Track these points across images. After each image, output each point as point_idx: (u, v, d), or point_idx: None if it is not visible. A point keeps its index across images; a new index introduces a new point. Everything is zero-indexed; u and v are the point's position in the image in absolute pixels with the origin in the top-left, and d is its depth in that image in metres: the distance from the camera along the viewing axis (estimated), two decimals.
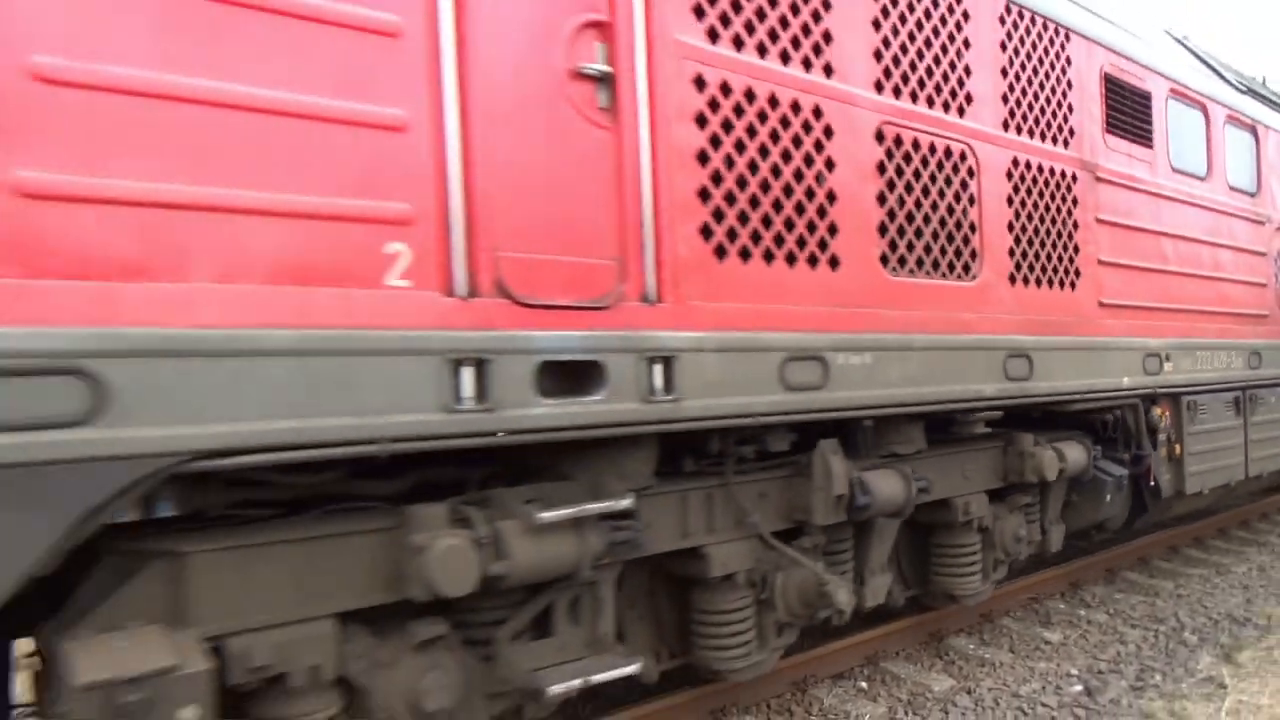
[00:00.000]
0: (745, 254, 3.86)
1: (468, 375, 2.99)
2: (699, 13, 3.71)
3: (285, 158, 2.71)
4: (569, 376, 3.27)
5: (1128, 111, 6.46)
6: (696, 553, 4.00)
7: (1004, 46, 5.27)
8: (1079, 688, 5.23)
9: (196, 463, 2.51)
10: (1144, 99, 6.62)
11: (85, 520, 2.39)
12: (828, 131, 4.18)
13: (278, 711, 2.88)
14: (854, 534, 4.78)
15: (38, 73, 2.33)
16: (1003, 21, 5.28)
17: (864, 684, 5.20)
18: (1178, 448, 6.85)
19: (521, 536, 3.12)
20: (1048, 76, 5.64)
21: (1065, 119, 5.77)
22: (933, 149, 4.75)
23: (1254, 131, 8.22)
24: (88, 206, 2.40)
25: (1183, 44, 8.97)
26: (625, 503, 3.41)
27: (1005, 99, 5.28)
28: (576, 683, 3.24)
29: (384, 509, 3.15)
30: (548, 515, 3.13)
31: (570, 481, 3.51)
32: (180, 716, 2.51)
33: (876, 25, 4.47)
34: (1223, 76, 8.45)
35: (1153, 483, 6.63)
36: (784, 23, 4.03)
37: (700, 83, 3.69)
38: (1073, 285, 5.77)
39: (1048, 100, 5.63)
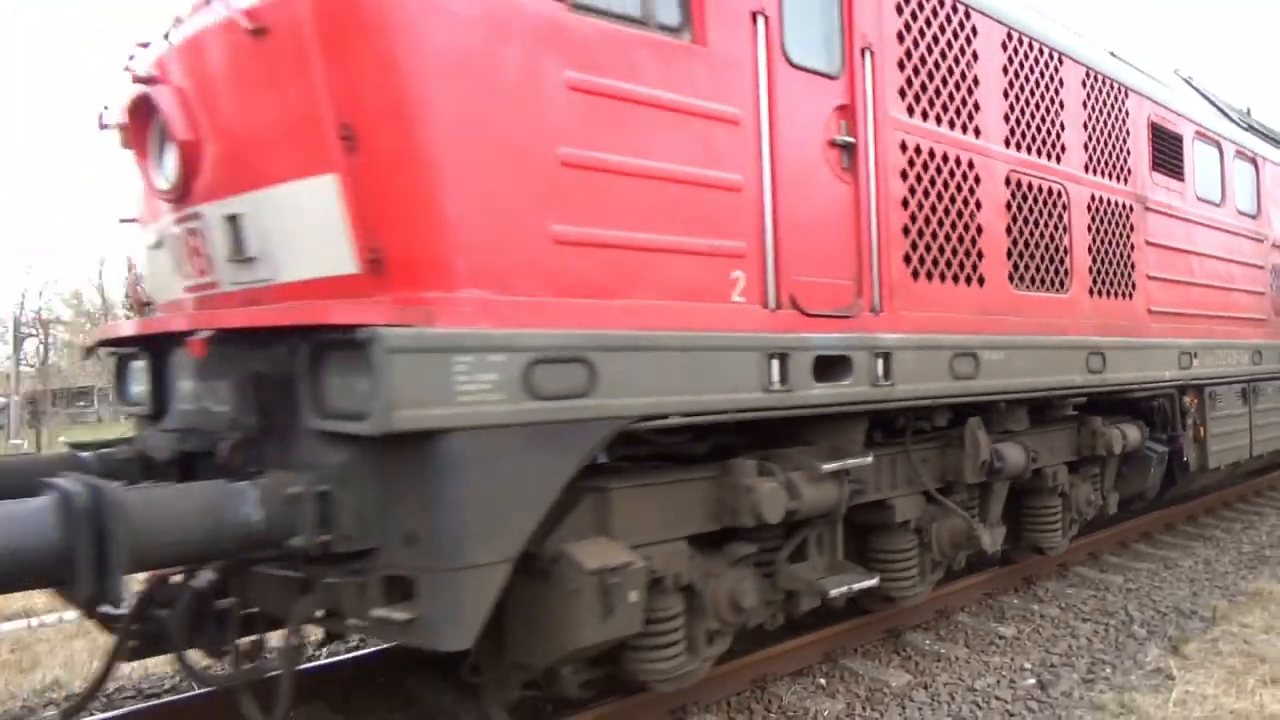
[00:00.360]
0: (929, 275, 5.11)
1: (775, 365, 4.18)
2: (902, 94, 4.97)
3: (682, 211, 3.90)
4: (828, 367, 4.47)
5: (1166, 151, 7.82)
6: (883, 504, 5.23)
7: (1085, 105, 6.62)
8: (1032, 681, 5.24)
9: (638, 424, 3.68)
10: (1177, 140, 8.02)
11: (582, 463, 3.55)
12: (977, 180, 5.47)
13: (652, 605, 4.04)
14: (979, 493, 6.02)
15: (562, 159, 3.49)
16: (1084, 85, 6.62)
17: (823, 681, 5.14)
18: (1201, 430, 8.20)
19: (807, 482, 4.33)
20: (1114, 127, 7.00)
21: (1125, 160, 7.14)
22: (1040, 189, 6.07)
23: (1254, 162, 9.70)
24: (584, 249, 3.56)
25: (1189, 84, 10.34)
26: (869, 459, 4.66)
27: (1086, 147, 6.62)
28: (844, 589, 4.49)
29: (702, 462, 4.29)
30: (828, 466, 4.36)
31: (814, 445, 4.70)
32: (630, 598, 3.65)
33: (1005, 95, 5.77)
34: (1227, 115, 9.91)
35: (1184, 459, 7.98)
36: (951, 97, 5.30)
37: (903, 146, 4.95)
38: (1130, 296, 7.11)
39: (1114, 146, 6.98)
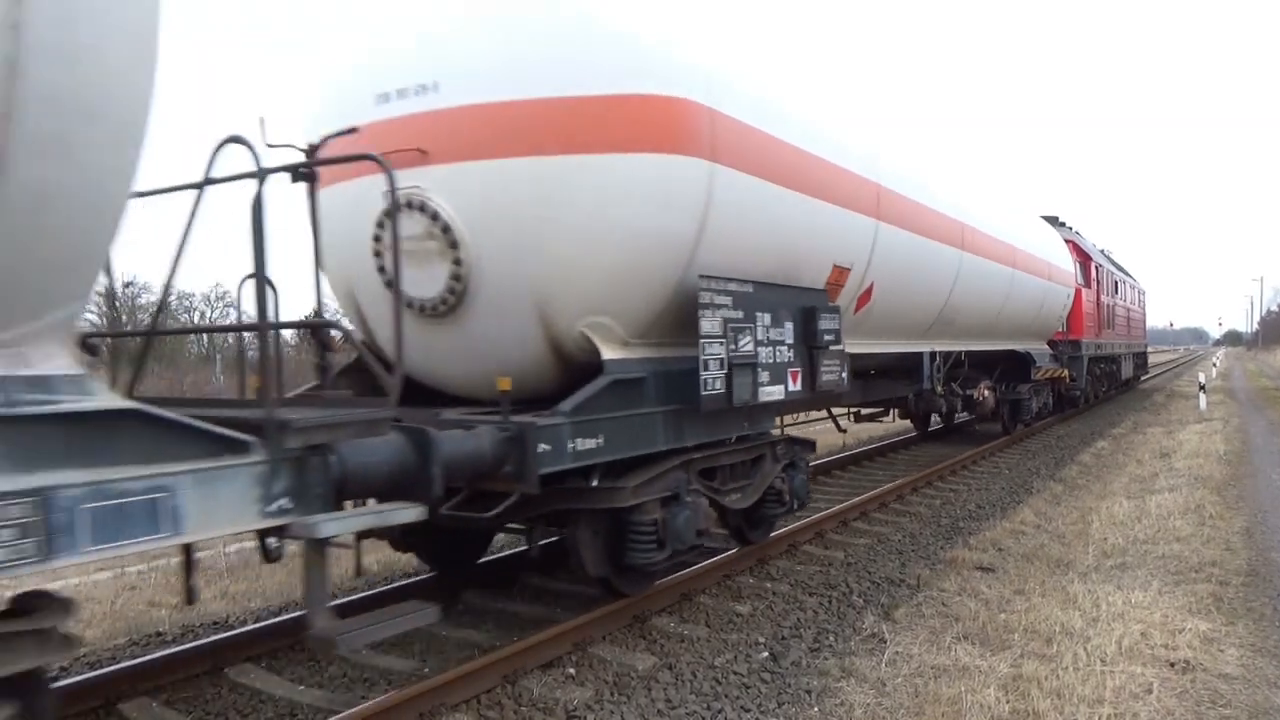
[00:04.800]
0: (1104, 328, 22.17)
1: (1093, 346, 20.86)
2: (1100, 288, 21.75)
3: (1086, 316, 20.55)
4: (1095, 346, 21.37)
5: (1114, 288, 25.16)
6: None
7: (1105, 280, 23.86)
8: (765, 654, 5.33)
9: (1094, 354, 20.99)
10: (1115, 285, 25.36)
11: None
12: (1108, 307, 22.60)
13: None
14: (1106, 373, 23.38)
15: (1085, 311, 19.57)
16: (1107, 275, 24.70)
17: (572, 670, 5.02)
18: (1121, 368, 26.98)
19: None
20: (1112, 285, 24.60)
21: (1115, 293, 24.84)
22: (1114, 306, 23.58)
23: (1124, 281, 27.95)
24: (1083, 325, 20.08)
25: (1109, 256, 27.16)
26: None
27: (1110, 291, 24.13)
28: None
29: None
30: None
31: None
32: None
33: (1106, 282, 22.92)
34: (1113, 263, 27.16)
35: (1121, 376, 27.06)
36: (1104, 287, 22.37)
37: (1105, 302, 21.94)
38: (1114, 329, 24.36)
39: (1113, 290, 24.62)
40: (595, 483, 4.91)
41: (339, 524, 3.27)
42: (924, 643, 5.45)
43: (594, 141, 4.58)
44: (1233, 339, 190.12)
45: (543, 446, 4.35)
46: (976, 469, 12.88)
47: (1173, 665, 4.96)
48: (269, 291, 3.29)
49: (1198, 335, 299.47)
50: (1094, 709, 4.36)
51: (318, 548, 3.30)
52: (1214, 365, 47.88)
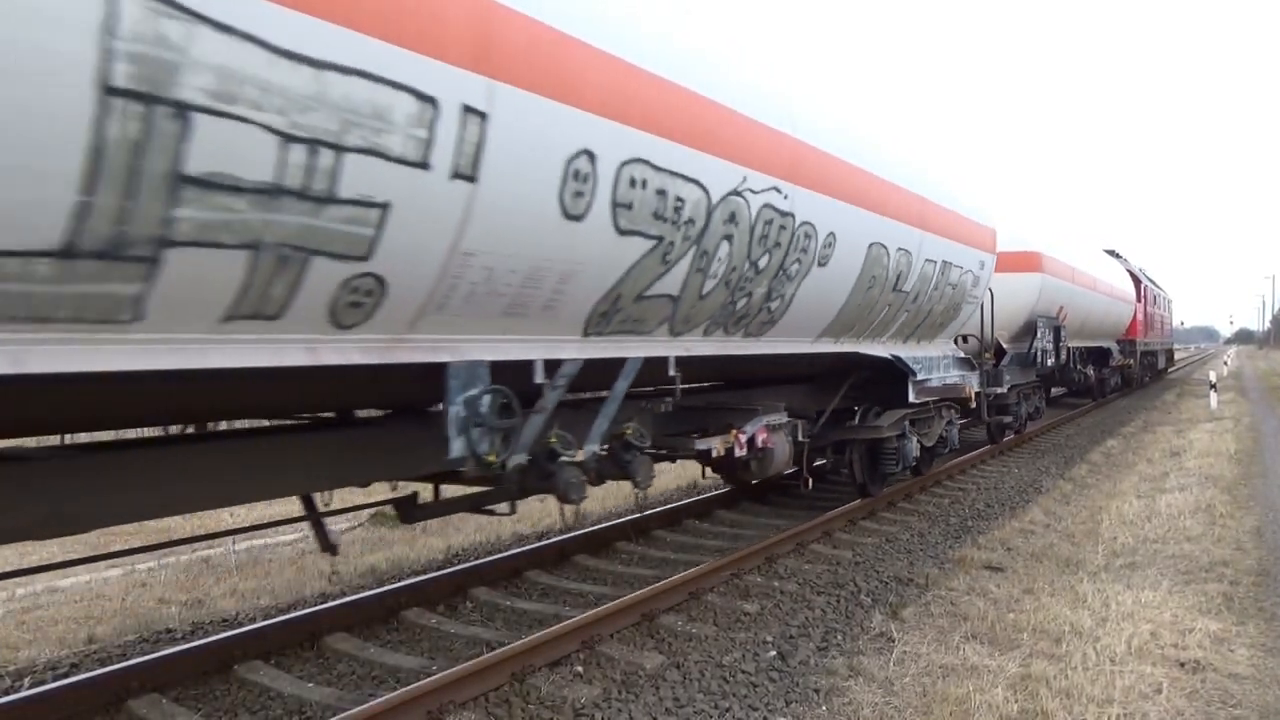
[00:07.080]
0: (1148, 330, 29.64)
1: (1143, 344, 28.93)
2: (1146, 301, 29.23)
3: (1144, 322, 28.04)
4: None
5: (1151, 299, 32.39)
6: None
7: (1146, 295, 31.18)
8: (774, 653, 5.31)
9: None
10: (1154, 299, 32.84)
11: None
12: (1151, 315, 30.03)
13: None
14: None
15: (1136, 315, 27.29)
16: (1148, 291, 31.79)
17: (580, 668, 4.97)
18: (1161, 359, 36.68)
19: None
20: (1151, 298, 31.99)
21: (1155, 302, 32.44)
22: (1156, 315, 31.26)
23: (1162, 297, 36.50)
24: (1139, 328, 27.70)
25: (1145, 274, 33.46)
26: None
27: (1150, 303, 31.33)
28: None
29: None
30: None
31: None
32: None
33: (1145, 296, 29.79)
34: (1148, 279, 33.83)
35: (1160, 365, 35.78)
36: (1146, 299, 29.57)
37: (1151, 312, 29.34)
38: (1152, 331, 31.87)
39: (1153, 300, 32.25)
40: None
41: (1000, 388, 11.87)
42: (932, 642, 5.42)
43: (1011, 267, 13.11)
44: (1244, 337, 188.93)
45: (1005, 376, 12.41)
46: (985, 468, 12.83)
47: (1183, 665, 4.94)
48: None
49: (1208, 334, 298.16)
50: (1103, 709, 4.33)
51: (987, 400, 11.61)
52: (1225, 363, 47.80)
